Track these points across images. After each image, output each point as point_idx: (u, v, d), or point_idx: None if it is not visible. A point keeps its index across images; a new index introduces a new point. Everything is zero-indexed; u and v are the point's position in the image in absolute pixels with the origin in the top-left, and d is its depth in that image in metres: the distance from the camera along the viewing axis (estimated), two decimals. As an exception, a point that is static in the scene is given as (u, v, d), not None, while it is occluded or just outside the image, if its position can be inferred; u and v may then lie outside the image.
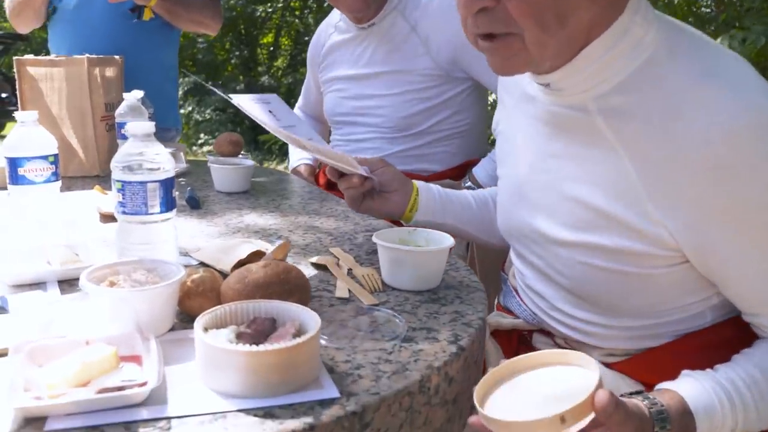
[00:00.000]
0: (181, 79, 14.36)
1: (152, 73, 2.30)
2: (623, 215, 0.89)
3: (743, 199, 0.82)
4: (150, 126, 0.93)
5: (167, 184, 0.95)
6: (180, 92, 14.09)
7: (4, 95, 14.23)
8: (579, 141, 0.94)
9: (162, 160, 0.94)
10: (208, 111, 13.57)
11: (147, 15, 2.25)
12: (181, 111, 13.70)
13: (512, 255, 1.19)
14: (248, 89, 14.05)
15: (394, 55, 1.85)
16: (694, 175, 0.82)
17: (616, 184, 0.90)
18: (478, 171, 1.82)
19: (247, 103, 1.20)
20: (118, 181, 0.93)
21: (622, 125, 0.89)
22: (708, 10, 5.50)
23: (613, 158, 0.89)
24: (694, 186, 0.83)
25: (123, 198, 0.94)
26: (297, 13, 15.11)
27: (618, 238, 0.91)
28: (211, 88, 1.30)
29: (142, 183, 0.92)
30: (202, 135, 11.09)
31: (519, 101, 1.09)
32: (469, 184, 1.80)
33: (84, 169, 1.88)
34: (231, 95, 1.17)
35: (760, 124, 0.79)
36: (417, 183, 1.29)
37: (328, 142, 2.05)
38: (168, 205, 0.96)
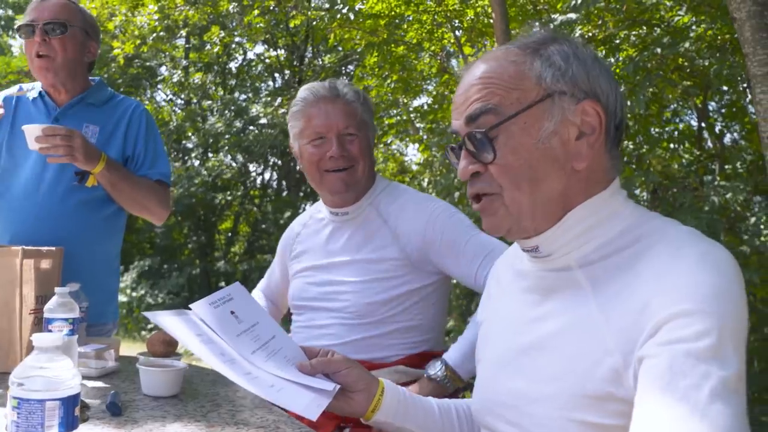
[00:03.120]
0: (135, 263, 14.33)
1: (95, 264, 2.25)
2: (604, 361, 0.95)
3: None
4: (57, 338, 0.87)
5: (69, 402, 0.87)
6: (134, 275, 14.00)
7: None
8: (560, 297, 1.07)
9: (66, 376, 0.87)
10: (162, 294, 13.42)
11: (91, 181, 2.22)
12: (134, 294, 13.53)
13: None
14: (204, 274, 14.06)
15: (365, 245, 1.91)
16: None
17: (589, 328, 0.99)
18: (452, 354, 1.81)
19: (176, 324, 1.19)
20: (14, 398, 0.85)
21: (601, 276, 1.02)
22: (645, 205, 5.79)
23: (590, 304, 1.01)
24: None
25: (17, 417, 0.85)
26: (256, 201, 15.55)
27: (591, 384, 0.96)
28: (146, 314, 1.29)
29: (41, 401, 0.85)
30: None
31: (509, 283, 1.22)
32: (437, 372, 1.76)
33: (5, 366, 1.77)
34: (148, 313, 1.14)
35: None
36: (384, 382, 1.29)
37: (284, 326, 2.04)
38: (68, 425, 0.88)
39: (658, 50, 5.29)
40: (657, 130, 6.41)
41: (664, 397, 0.85)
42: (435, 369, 1.78)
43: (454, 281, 2.01)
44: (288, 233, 2.18)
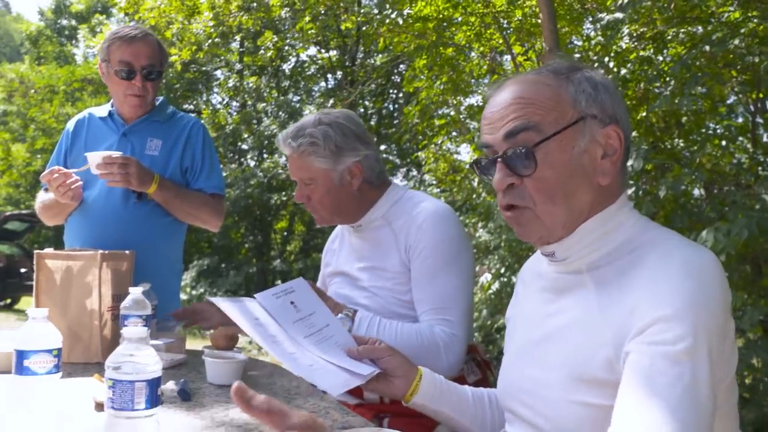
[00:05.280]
0: (194, 261, 14.78)
1: (159, 265, 2.47)
2: (600, 351, 1.09)
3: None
4: (143, 331, 1.05)
5: (153, 384, 1.05)
6: (193, 273, 14.45)
7: (23, 270, 14.66)
8: (571, 296, 1.21)
9: (150, 362, 1.05)
10: (220, 293, 13.82)
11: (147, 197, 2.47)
12: (193, 292, 13.96)
13: (506, 423, 1.35)
14: (260, 272, 14.41)
15: (376, 253, 2.04)
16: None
17: (590, 323, 1.13)
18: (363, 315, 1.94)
19: (232, 309, 1.36)
20: (109, 379, 1.04)
21: (605, 279, 1.15)
22: (697, 202, 5.76)
23: (594, 303, 1.14)
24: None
25: (113, 394, 1.04)
26: (311, 201, 15.80)
27: (589, 370, 1.10)
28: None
29: (131, 382, 1.03)
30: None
31: (531, 283, 1.37)
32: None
33: (87, 357, 1.98)
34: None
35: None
36: (423, 370, 1.46)
37: None
38: (152, 402, 1.06)
39: (707, 48, 5.27)
40: (712, 125, 6.36)
41: (644, 391, 0.99)
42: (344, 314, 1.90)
43: (477, 282, 2.12)
44: (326, 245, 2.35)
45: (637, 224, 1.21)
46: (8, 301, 15.46)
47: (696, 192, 5.95)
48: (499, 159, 1.21)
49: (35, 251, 2.06)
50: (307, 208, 2.10)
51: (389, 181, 2.13)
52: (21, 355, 1.30)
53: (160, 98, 2.65)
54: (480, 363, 2.00)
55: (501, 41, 7.69)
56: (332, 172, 2.01)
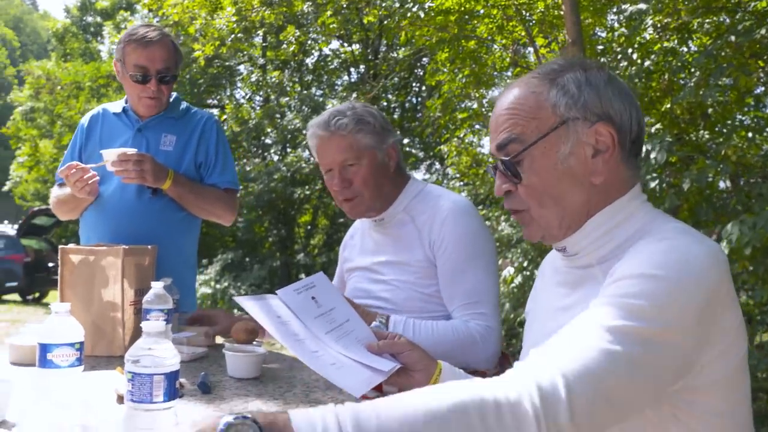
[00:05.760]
0: (219, 256, 14.91)
1: (174, 261, 2.49)
2: None
3: None
4: (162, 325, 1.07)
5: (171, 377, 1.07)
6: (218, 267, 14.57)
7: (50, 264, 14.91)
8: (583, 290, 1.23)
9: (168, 355, 1.07)
10: (244, 287, 13.93)
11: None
12: (218, 286, 14.09)
13: None
14: (284, 266, 14.49)
15: (399, 247, 2.04)
16: None
17: None
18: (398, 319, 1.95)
19: (255, 308, 1.38)
20: (128, 372, 1.06)
21: (611, 268, 1.14)
22: (722, 195, 5.69)
23: (596, 294, 1.12)
24: None
25: (132, 387, 1.06)
26: (334, 195, 15.85)
27: None
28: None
29: (150, 375, 1.05)
30: (235, 311, 11.32)
31: (549, 277, 1.40)
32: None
33: (110, 350, 2.01)
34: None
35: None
36: (442, 364, 1.46)
37: None
38: (171, 395, 1.07)
39: (733, 38, 5.20)
40: (739, 116, 6.27)
41: (581, 327, 1.03)
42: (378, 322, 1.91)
43: (500, 275, 2.12)
44: (344, 241, 2.35)
45: (648, 216, 1.22)
46: (36, 294, 15.74)
47: (721, 184, 5.88)
48: (497, 167, 1.28)
49: (59, 246, 2.09)
50: (341, 198, 2.04)
51: (409, 175, 2.15)
52: (44, 348, 1.33)
53: (174, 94, 2.67)
54: (500, 356, 2.00)
55: (523, 33, 7.64)
56: (378, 150, 2.01)
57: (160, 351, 1.07)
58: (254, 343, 2.03)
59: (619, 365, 0.97)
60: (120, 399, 1.48)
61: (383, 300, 2.03)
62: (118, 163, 2.32)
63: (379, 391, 1.89)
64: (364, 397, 1.59)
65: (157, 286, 1.90)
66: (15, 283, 14.73)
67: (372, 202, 2.03)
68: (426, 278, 1.98)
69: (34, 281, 14.93)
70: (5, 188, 24.89)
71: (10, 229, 17.20)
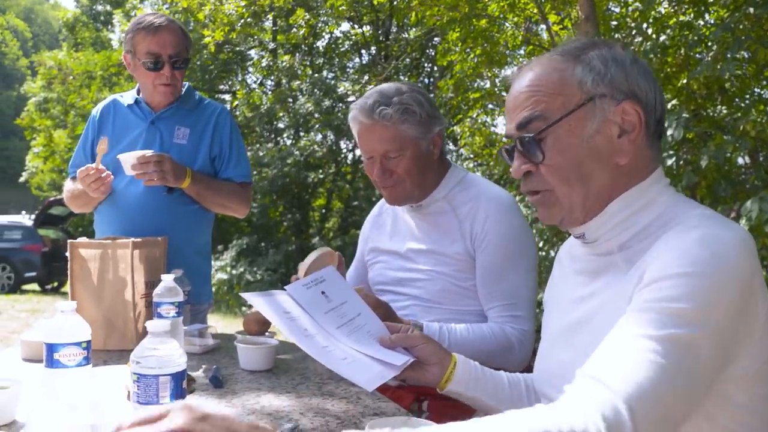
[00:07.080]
0: (234, 241, 14.94)
1: (189, 250, 2.48)
2: None
3: None
4: (167, 324, 1.04)
5: (178, 377, 1.04)
6: (233, 253, 14.61)
7: (68, 254, 15.01)
8: (604, 278, 1.18)
9: (174, 355, 1.04)
10: (260, 272, 13.96)
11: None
12: (234, 271, 14.13)
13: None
14: (300, 250, 14.50)
15: (437, 237, 1.98)
16: None
17: (620, 304, 1.08)
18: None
19: (263, 305, 1.35)
20: (134, 373, 1.03)
21: (634, 258, 1.12)
22: (740, 171, 5.61)
23: (623, 282, 1.11)
24: None
25: (138, 389, 1.03)
26: (348, 177, 15.85)
27: None
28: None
29: (155, 376, 1.02)
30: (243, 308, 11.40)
31: (568, 265, 1.35)
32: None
33: (122, 344, 1.99)
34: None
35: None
36: (457, 357, 1.43)
37: None
38: (177, 395, 1.05)
39: (751, 10, 5.08)
40: (758, 90, 6.16)
41: (627, 340, 0.99)
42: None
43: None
44: (369, 218, 2.28)
45: (670, 200, 1.17)
46: (55, 284, 15.86)
47: (740, 160, 5.79)
48: (515, 148, 1.22)
49: (68, 240, 2.07)
50: (382, 184, 1.97)
51: (449, 162, 2.08)
52: (51, 348, 1.30)
53: (186, 84, 2.64)
54: None
55: (535, 10, 7.52)
56: (422, 140, 1.93)
57: (165, 351, 1.04)
58: (266, 334, 2.00)
59: (675, 378, 0.95)
60: (130, 395, 1.45)
61: (416, 289, 1.98)
62: (139, 167, 2.29)
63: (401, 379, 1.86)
64: (386, 386, 1.56)
65: (167, 279, 1.88)
66: (33, 273, 14.83)
67: (413, 190, 1.97)
68: (463, 272, 1.93)
69: (52, 271, 15.02)
70: (22, 179, 25.07)
71: (27, 219, 17.31)
